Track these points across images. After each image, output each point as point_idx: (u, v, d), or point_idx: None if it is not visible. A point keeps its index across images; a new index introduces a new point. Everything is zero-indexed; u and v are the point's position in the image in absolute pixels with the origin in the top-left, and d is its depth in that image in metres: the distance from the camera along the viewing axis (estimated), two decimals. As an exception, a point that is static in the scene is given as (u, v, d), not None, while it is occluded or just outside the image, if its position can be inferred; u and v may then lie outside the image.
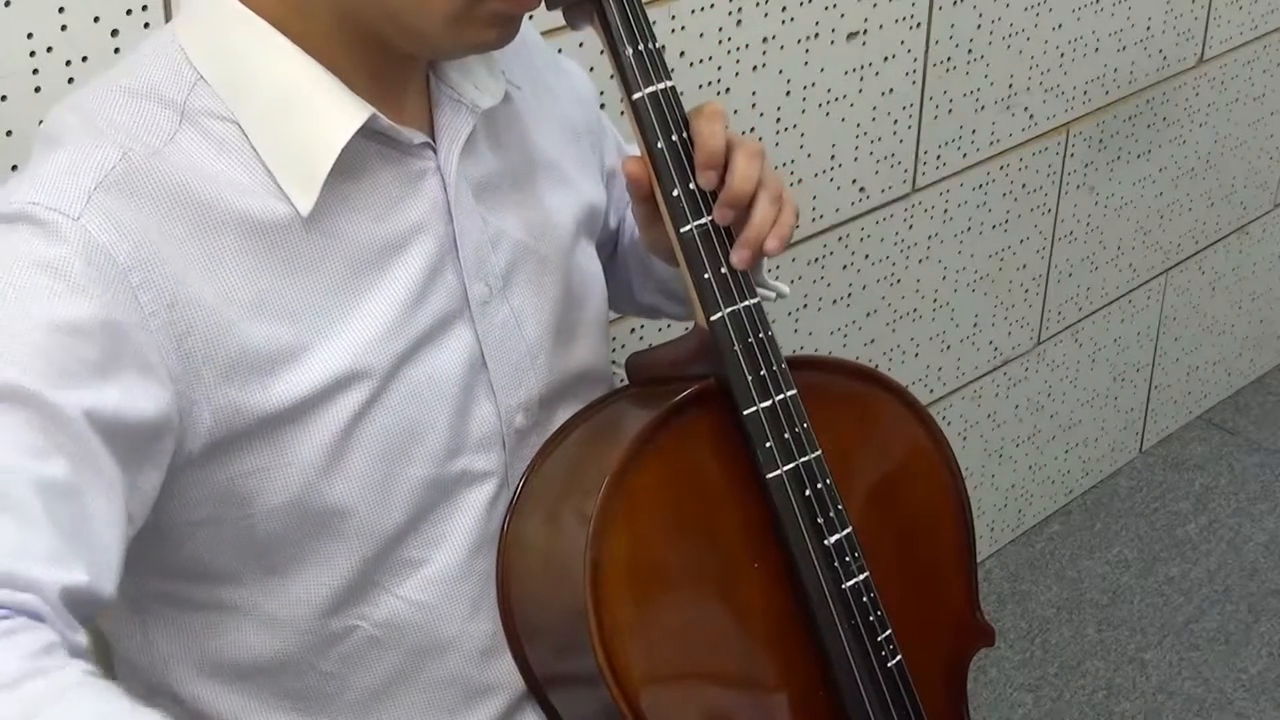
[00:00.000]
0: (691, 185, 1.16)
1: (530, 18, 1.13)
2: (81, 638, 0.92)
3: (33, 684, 0.85)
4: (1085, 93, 2.47)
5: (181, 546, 1.12)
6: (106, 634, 1.22)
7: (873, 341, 2.32)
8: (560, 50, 1.39)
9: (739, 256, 1.17)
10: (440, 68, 1.17)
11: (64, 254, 0.99)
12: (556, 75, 1.33)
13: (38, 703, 0.84)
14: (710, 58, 1.90)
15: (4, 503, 0.91)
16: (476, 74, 1.18)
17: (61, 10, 1.33)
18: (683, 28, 1.85)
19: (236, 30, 1.08)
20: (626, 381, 1.26)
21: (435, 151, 1.15)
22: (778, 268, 2.10)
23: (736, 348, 1.16)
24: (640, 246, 1.31)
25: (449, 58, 1.16)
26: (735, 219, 1.17)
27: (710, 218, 1.17)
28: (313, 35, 1.08)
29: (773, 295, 1.31)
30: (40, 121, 1.09)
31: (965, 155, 2.32)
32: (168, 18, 1.39)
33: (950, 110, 2.26)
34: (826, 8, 2.01)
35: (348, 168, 1.10)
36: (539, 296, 1.23)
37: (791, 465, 1.17)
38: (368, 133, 1.10)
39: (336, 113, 1.08)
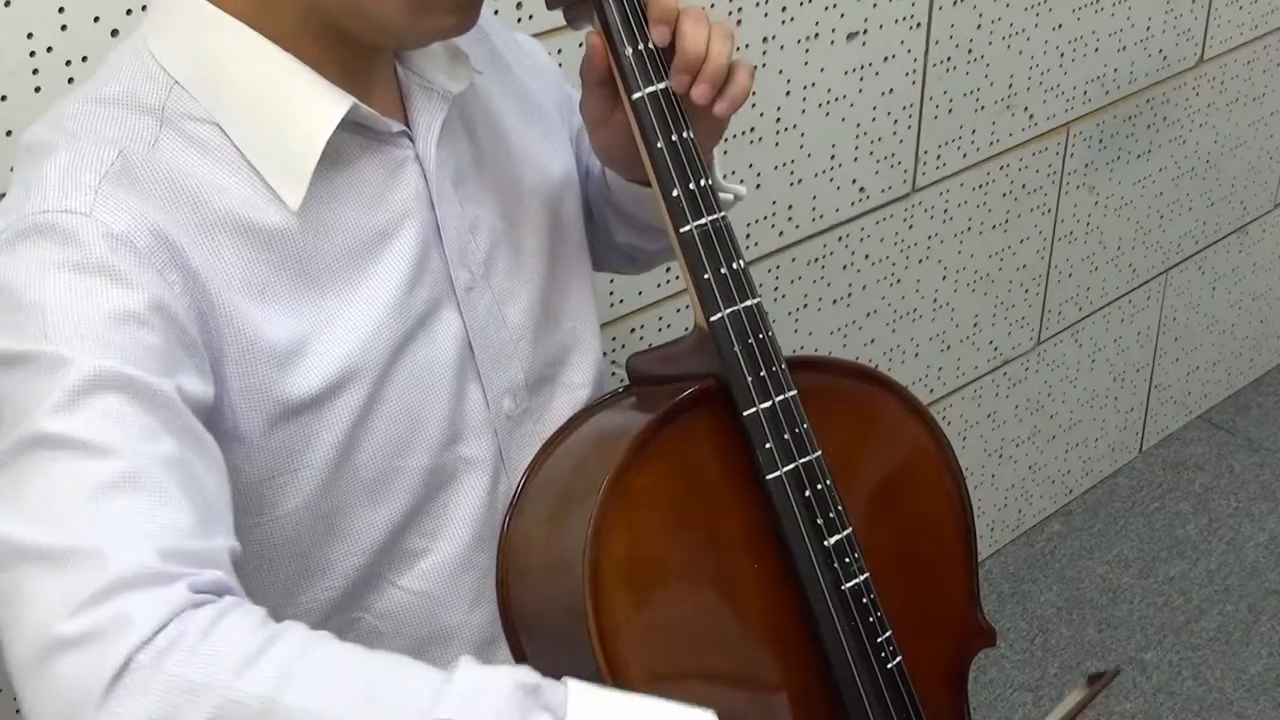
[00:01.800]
0: (691, 185, 1.16)
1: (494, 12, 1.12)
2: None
3: (275, 648, 0.88)
4: (1085, 93, 2.47)
5: None
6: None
7: (873, 341, 2.31)
8: (560, 50, 1.38)
9: (699, 91, 1.15)
10: (407, 57, 1.17)
11: (91, 251, 0.99)
12: (515, 54, 1.33)
13: (289, 662, 0.88)
14: (710, 58, 1.89)
15: (142, 484, 0.92)
16: (443, 60, 1.19)
17: (61, 10, 1.33)
18: (683, 28, 1.85)
19: (208, 30, 1.08)
20: (626, 381, 1.26)
21: (412, 140, 1.15)
22: (778, 268, 2.10)
23: (736, 348, 1.16)
24: (604, 182, 1.31)
25: (412, 47, 1.16)
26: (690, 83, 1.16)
27: (711, 218, 1.16)
28: (282, 30, 1.08)
29: (731, 198, 1.30)
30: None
31: (965, 155, 2.32)
32: (167, 18, 1.39)
33: (950, 110, 2.26)
34: (826, 8, 2.01)
35: (333, 160, 1.10)
36: (517, 281, 1.23)
37: (791, 466, 1.17)
38: (348, 124, 1.10)
39: (318, 105, 1.08)
